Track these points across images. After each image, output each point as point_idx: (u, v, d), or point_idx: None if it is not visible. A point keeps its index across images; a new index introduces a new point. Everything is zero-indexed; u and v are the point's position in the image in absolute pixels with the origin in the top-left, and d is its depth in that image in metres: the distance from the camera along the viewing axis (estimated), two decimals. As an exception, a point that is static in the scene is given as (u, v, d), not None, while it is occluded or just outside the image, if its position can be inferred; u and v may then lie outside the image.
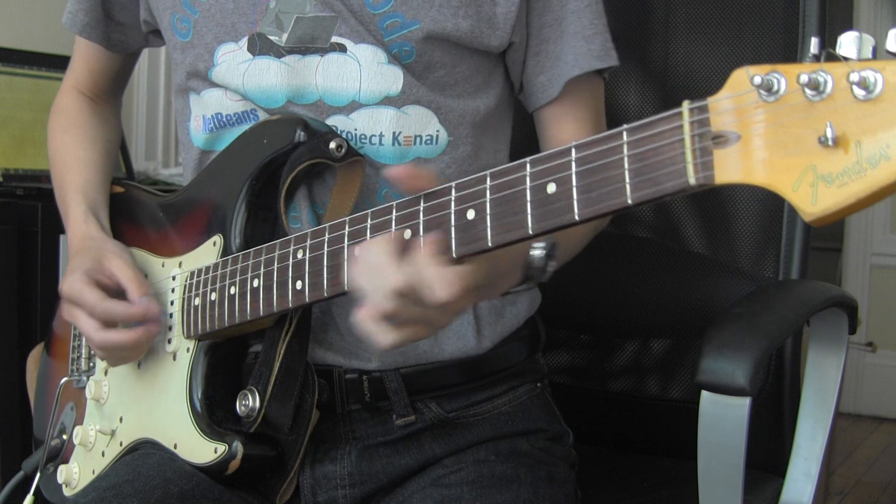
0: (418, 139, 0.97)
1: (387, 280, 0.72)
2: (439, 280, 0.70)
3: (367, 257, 0.74)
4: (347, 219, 0.80)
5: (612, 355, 1.31)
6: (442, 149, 0.98)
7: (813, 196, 0.53)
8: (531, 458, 0.99)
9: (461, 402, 0.99)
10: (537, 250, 0.84)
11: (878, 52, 0.53)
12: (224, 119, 1.01)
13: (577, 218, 0.64)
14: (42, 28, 2.27)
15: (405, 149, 0.96)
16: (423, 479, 0.97)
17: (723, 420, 0.83)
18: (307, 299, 0.83)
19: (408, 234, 0.74)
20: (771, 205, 1.19)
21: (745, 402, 0.82)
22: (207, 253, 0.98)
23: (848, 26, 3.52)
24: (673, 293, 1.24)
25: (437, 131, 0.98)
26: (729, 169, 0.57)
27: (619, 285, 1.03)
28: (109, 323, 0.96)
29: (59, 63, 1.98)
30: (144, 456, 0.97)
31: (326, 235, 0.82)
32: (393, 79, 0.95)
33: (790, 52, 1.17)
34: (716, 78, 1.22)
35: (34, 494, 1.09)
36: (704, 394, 0.84)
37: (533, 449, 1.00)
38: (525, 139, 1.11)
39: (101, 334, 0.95)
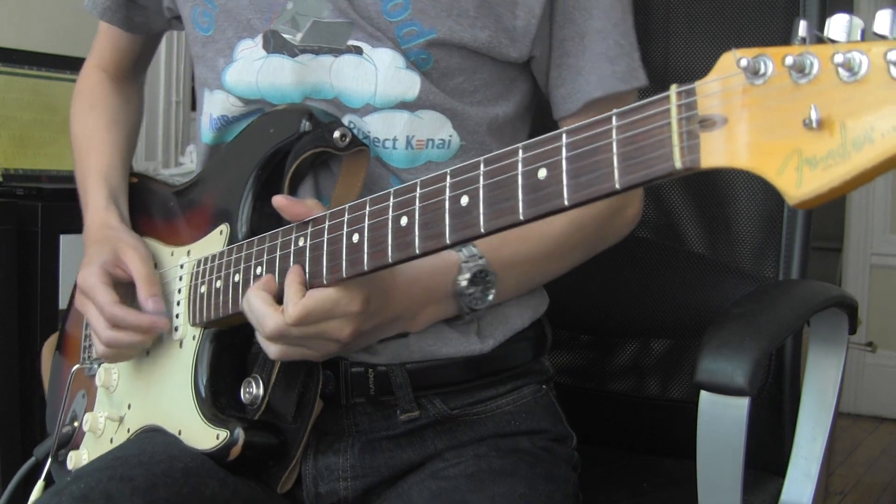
0: (430, 143, 0.96)
1: (265, 325, 0.84)
2: (286, 303, 0.82)
3: (250, 304, 0.86)
4: (347, 206, 0.80)
5: (612, 355, 1.31)
6: (454, 152, 0.98)
7: (798, 180, 0.52)
8: (531, 455, 0.99)
9: (465, 399, 0.99)
10: (464, 280, 0.91)
11: (867, 35, 0.52)
12: (230, 119, 1.02)
13: (566, 203, 0.64)
14: (42, 28, 2.27)
15: (417, 152, 0.96)
16: (423, 472, 0.97)
17: (722, 420, 0.83)
18: (306, 287, 0.83)
19: (404, 220, 0.74)
20: (771, 205, 1.19)
21: (744, 403, 0.81)
22: (214, 241, 0.98)
23: (848, 26, 3.53)
24: (673, 293, 1.24)
25: (450, 136, 0.97)
26: (714, 153, 0.56)
27: (620, 285, 1.02)
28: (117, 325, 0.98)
29: (59, 63, 1.98)
30: (151, 436, 0.98)
31: (326, 223, 0.82)
32: (410, 84, 0.95)
33: (790, 52, 1.17)
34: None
35: (45, 480, 1.10)
36: (703, 394, 0.84)
37: (534, 447, 1.00)
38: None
39: (108, 332, 0.98)
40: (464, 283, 0.92)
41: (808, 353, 1.08)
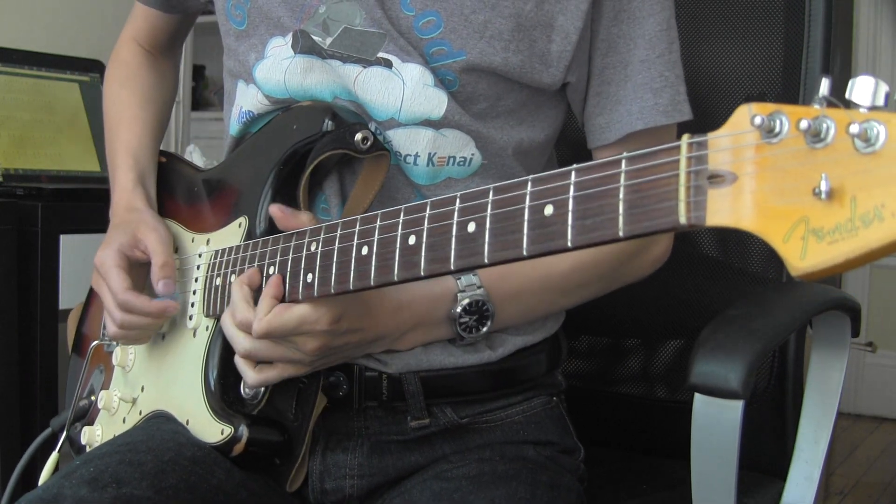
0: (452, 160, 0.95)
1: (234, 314, 0.88)
2: (256, 317, 0.85)
3: (232, 295, 0.89)
4: (359, 217, 0.80)
5: (620, 357, 1.31)
6: (474, 170, 0.97)
7: (802, 250, 0.50)
8: (535, 463, 0.98)
9: (476, 408, 0.99)
10: (458, 308, 0.91)
11: (891, 101, 0.49)
12: (255, 116, 1.02)
13: (569, 244, 0.61)
14: (42, 28, 2.27)
15: (438, 169, 0.95)
16: (427, 473, 0.97)
17: (716, 423, 0.82)
18: (315, 293, 0.83)
19: (412, 239, 0.74)
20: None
21: (737, 405, 0.81)
22: (233, 233, 0.99)
23: (848, 25, 3.52)
24: (684, 296, 1.23)
25: (472, 154, 0.96)
26: (721, 211, 0.54)
27: (629, 287, 1.02)
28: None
29: (59, 63, 1.98)
30: (160, 423, 0.98)
31: (338, 231, 0.82)
32: (437, 102, 0.93)
33: (792, 53, 1.17)
34: (717, 77, 1.22)
35: (59, 452, 1.11)
36: (697, 396, 0.83)
37: (539, 456, 1.00)
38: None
39: (119, 315, 0.99)
40: (458, 311, 0.92)
41: (811, 355, 1.08)
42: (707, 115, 1.09)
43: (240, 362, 0.90)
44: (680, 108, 0.97)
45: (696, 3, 1.24)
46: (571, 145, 1.17)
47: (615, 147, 0.97)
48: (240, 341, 0.88)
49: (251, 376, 0.89)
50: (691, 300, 1.24)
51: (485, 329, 0.93)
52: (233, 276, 0.94)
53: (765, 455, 1.16)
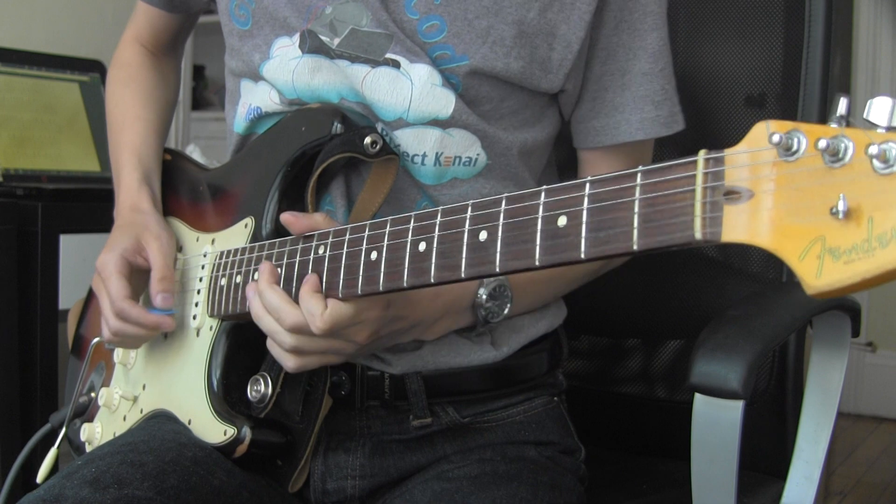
0: (458, 160, 0.96)
1: (282, 319, 0.84)
2: (311, 314, 0.81)
3: (264, 300, 0.86)
4: (368, 223, 0.80)
5: (620, 357, 1.31)
6: (479, 170, 0.97)
7: (818, 269, 0.50)
8: (536, 463, 0.99)
9: (478, 408, 0.99)
10: (484, 294, 0.93)
11: None
12: (263, 114, 1.02)
13: (582, 256, 0.62)
14: (42, 28, 2.27)
15: (444, 169, 0.96)
16: (428, 473, 0.97)
17: (716, 423, 0.82)
18: (323, 295, 0.83)
19: (422, 246, 0.74)
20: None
21: (738, 405, 0.81)
22: (238, 234, 0.98)
23: (848, 25, 3.51)
24: (684, 295, 1.23)
25: (478, 154, 0.97)
26: (737, 228, 0.54)
27: (631, 287, 1.02)
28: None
29: (59, 63, 1.98)
30: (161, 423, 0.98)
31: (347, 236, 0.82)
32: (445, 102, 0.94)
33: (792, 53, 1.17)
34: (717, 77, 1.22)
35: (58, 448, 1.11)
36: (698, 396, 0.83)
37: (540, 457, 1.00)
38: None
39: (114, 322, 0.99)
40: (484, 297, 0.93)
41: (811, 355, 1.08)
42: (707, 114, 1.09)
43: (277, 349, 0.87)
44: (676, 119, 1.01)
45: (696, 3, 1.24)
46: (571, 145, 1.17)
47: (606, 151, 1.00)
48: (288, 341, 0.85)
49: (291, 361, 0.86)
50: (691, 300, 1.24)
51: (505, 312, 0.94)
52: (238, 277, 0.94)
53: (765, 455, 1.16)
